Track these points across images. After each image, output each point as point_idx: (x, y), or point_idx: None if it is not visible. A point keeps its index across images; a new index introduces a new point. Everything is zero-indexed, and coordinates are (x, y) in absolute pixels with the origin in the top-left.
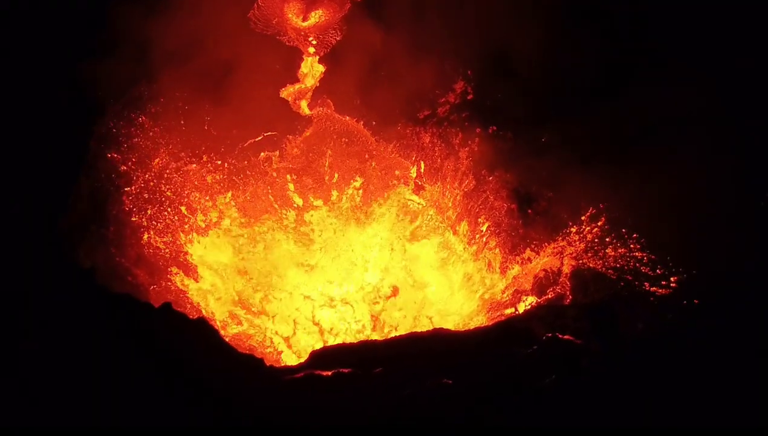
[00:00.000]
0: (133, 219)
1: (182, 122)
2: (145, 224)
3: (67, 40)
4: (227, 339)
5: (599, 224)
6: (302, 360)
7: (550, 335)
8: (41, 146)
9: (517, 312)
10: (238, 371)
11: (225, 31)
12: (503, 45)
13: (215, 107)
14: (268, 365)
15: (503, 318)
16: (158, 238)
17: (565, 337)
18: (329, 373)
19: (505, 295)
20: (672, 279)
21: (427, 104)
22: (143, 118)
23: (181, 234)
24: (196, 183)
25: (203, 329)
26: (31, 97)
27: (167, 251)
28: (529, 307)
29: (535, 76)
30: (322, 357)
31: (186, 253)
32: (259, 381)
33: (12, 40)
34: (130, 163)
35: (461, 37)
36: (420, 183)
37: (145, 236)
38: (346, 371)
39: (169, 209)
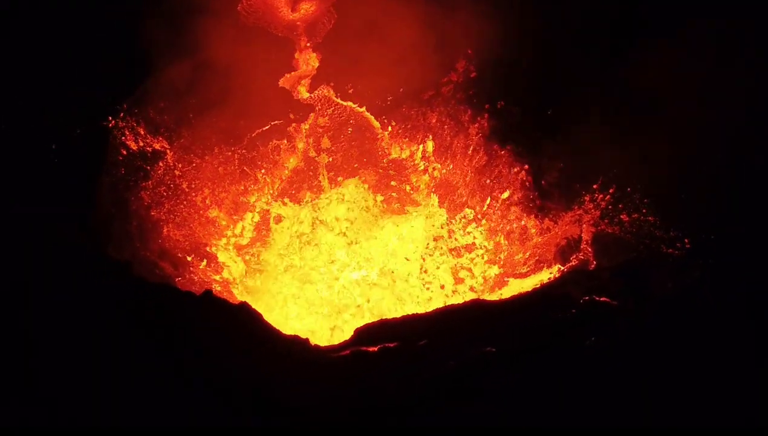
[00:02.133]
0: (153, 213)
1: (191, 116)
2: (164, 217)
3: (75, 40)
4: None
5: (611, 191)
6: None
7: (587, 298)
8: (60, 146)
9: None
10: (286, 350)
11: (222, 24)
12: (500, 21)
13: (220, 99)
14: (313, 344)
15: (539, 285)
16: (177, 231)
17: (602, 299)
18: (375, 348)
19: (526, 266)
20: (686, 241)
21: (430, 85)
22: (153, 113)
23: (199, 226)
24: (209, 175)
25: (247, 312)
26: (39, 97)
27: (187, 243)
28: (552, 275)
29: (536, 50)
30: (367, 333)
31: (205, 244)
32: (307, 360)
33: (19, 41)
34: (145, 159)
35: (457, 16)
36: (429, 162)
37: (165, 230)
38: (391, 345)
39: (185, 202)
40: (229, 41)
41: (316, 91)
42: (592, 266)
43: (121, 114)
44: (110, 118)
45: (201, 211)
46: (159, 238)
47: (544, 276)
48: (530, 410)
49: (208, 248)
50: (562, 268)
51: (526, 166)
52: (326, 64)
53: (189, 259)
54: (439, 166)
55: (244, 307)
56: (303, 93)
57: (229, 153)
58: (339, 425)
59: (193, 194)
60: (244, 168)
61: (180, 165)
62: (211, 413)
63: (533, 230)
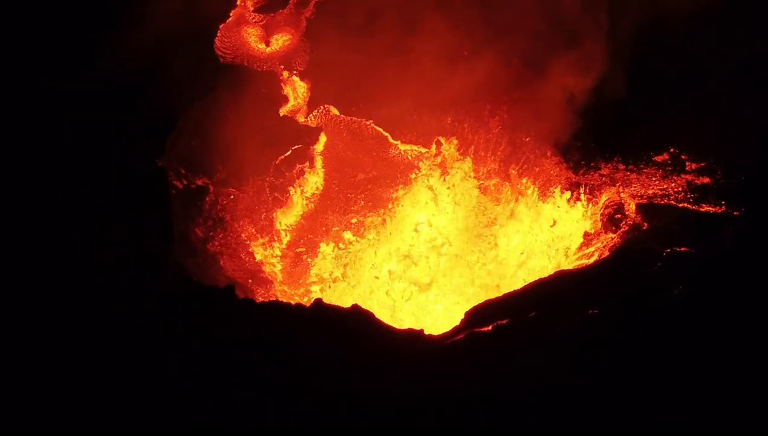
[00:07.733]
0: (209, 247)
1: (221, 149)
2: (218, 250)
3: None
4: None
5: (638, 157)
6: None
7: (669, 250)
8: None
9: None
10: (404, 345)
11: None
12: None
13: (241, 132)
14: (427, 334)
15: (616, 244)
16: (231, 262)
17: (682, 249)
18: (489, 327)
19: (575, 238)
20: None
21: (434, 90)
22: (188, 152)
23: (247, 255)
24: (246, 205)
25: (359, 314)
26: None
27: (241, 272)
28: (605, 243)
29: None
30: (477, 315)
31: (260, 271)
32: (425, 350)
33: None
34: (192, 195)
35: (448, 17)
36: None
37: (222, 261)
38: (503, 322)
39: (231, 234)
40: (233, 75)
41: (319, 112)
42: (646, 226)
43: (164, 155)
44: (157, 160)
45: (246, 242)
46: (220, 269)
47: (601, 244)
48: (646, 359)
49: (264, 275)
50: (614, 236)
51: (555, 148)
52: (322, 88)
53: (250, 286)
54: (463, 163)
55: (356, 309)
56: (300, 118)
57: (260, 182)
58: (471, 406)
59: (236, 225)
60: (276, 194)
61: (220, 198)
62: (342, 413)
63: (576, 206)
